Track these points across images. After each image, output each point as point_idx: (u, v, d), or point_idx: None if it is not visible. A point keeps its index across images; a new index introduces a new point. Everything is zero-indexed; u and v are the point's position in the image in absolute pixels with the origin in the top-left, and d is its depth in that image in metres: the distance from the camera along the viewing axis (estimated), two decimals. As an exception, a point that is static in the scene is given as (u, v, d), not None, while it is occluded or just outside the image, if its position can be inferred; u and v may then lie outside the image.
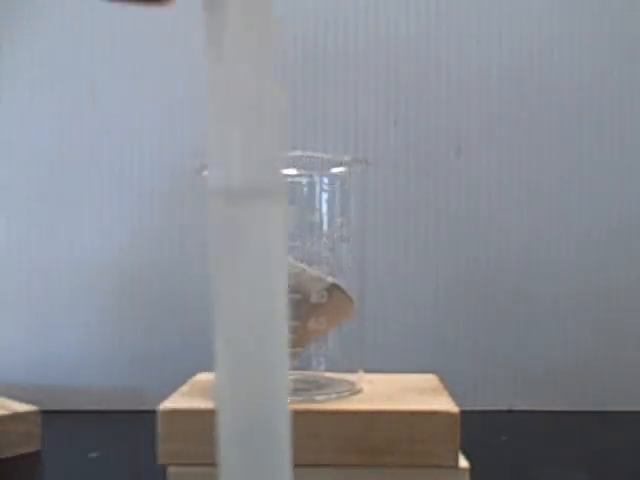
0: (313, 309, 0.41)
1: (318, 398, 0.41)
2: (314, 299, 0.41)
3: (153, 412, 0.39)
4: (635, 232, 0.69)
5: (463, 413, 0.39)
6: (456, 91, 0.69)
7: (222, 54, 0.19)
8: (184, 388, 0.45)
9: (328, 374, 0.45)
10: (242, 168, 0.19)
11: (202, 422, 0.39)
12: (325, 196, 0.44)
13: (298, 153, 0.44)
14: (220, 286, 0.20)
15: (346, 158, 0.45)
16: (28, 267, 0.69)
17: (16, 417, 0.53)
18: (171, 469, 0.39)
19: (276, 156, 0.20)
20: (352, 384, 0.44)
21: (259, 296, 0.20)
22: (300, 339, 0.42)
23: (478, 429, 0.56)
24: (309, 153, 0.44)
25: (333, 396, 0.42)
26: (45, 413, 0.55)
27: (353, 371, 0.45)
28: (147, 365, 0.68)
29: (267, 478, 0.20)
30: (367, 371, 0.46)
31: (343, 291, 0.42)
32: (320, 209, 0.43)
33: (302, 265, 0.41)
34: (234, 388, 0.20)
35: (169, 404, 0.40)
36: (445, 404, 0.40)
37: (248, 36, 0.19)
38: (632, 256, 0.69)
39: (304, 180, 0.43)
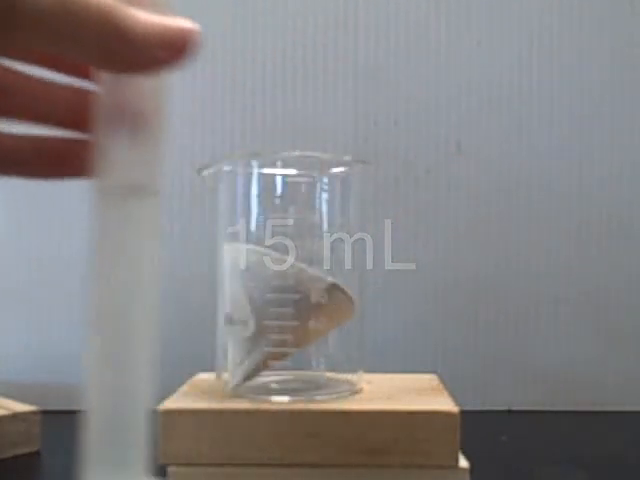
0: (313, 309, 0.41)
1: (318, 398, 0.41)
2: (314, 299, 0.41)
3: (153, 412, 0.39)
4: (635, 232, 0.69)
5: (463, 413, 0.39)
6: (456, 91, 0.69)
7: None
8: (184, 388, 0.45)
9: (328, 374, 0.45)
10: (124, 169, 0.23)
11: (202, 422, 0.39)
12: (325, 196, 0.43)
13: (298, 153, 0.44)
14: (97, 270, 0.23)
15: (346, 158, 0.45)
16: (28, 267, 0.68)
17: (16, 417, 0.53)
18: (171, 469, 0.39)
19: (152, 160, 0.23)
20: (352, 384, 0.44)
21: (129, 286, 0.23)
22: (300, 339, 0.42)
23: (478, 429, 0.56)
24: (309, 153, 0.44)
25: (333, 396, 0.42)
26: (45, 413, 0.55)
27: (353, 371, 0.45)
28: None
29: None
30: (367, 371, 0.46)
31: (343, 291, 0.42)
32: (320, 209, 0.43)
33: (302, 265, 0.41)
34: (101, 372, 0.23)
35: (169, 404, 0.40)
36: (445, 404, 0.40)
37: None
38: (631, 256, 0.69)
39: (304, 180, 0.43)
